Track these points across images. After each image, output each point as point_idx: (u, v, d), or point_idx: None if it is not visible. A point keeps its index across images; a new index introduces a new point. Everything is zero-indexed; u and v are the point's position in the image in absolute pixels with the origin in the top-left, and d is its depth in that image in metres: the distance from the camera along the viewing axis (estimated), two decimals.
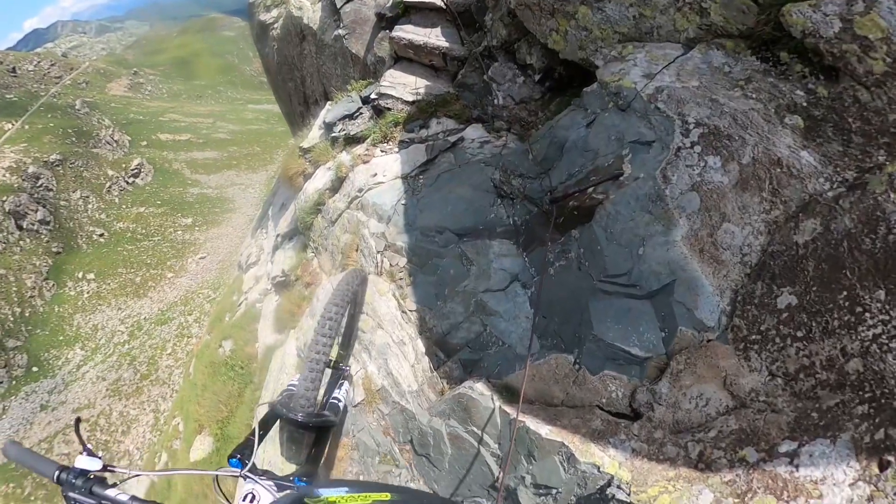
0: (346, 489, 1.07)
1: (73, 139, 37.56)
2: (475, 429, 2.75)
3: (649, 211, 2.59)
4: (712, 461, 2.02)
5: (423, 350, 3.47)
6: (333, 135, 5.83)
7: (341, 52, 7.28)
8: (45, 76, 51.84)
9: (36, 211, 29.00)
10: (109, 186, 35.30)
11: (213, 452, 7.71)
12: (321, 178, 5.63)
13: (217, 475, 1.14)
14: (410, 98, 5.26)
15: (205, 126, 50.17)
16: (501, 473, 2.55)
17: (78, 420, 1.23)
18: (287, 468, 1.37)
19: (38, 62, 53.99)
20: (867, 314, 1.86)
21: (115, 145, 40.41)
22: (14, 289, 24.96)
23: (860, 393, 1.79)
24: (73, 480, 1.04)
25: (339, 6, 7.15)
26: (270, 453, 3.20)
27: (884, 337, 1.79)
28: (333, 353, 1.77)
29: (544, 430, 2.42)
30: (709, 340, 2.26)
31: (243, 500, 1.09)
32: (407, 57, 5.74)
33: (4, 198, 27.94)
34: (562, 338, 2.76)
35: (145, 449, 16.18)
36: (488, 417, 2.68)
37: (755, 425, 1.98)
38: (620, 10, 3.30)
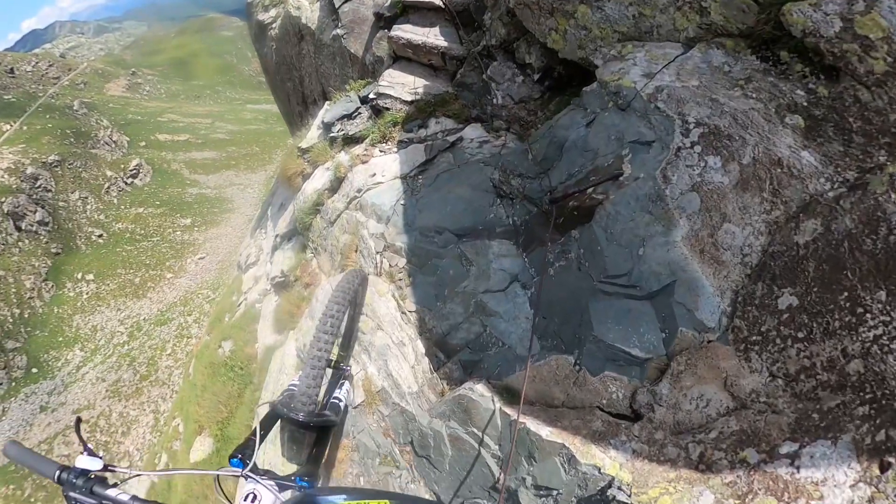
0: (345, 497, 1.06)
1: (72, 140, 37.49)
2: (475, 430, 2.75)
3: (649, 211, 2.58)
4: (713, 462, 2.01)
5: (423, 351, 3.47)
6: (332, 135, 5.82)
7: (340, 51, 7.26)
8: (43, 77, 51.73)
9: (35, 212, 28.95)
10: (108, 187, 35.25)
11: (213, 453, 7.71)
12: (320, 179, 5.62)
13: (218, 475, 1.14)
14: (409, 98, 5.25)
15: (203, 126, 50.10)
16: (502, 475, 2.55)
17: (79, 420, 1.23)
18: (288, 468, 1.37)
19: (36, 63, 53.86)
20: (868, 315, 1.85)
21: (113, 146, 40.34)
22: (13, 290, 24.93)
23: (861, 394, 1.79)
24: (74, 480, 1.04)
25: (337, 6, 7.13)
26: (270, 454, 3.19)
27: (885, 338, 1.79)
28: (334, 353, 1.77)
29: (545, 431, 2.41)
30: (709, 341, 2.26)
31: (245, 500, 1.09)
32: (405, 56, 5.73)
33: (3, 199, 27.88)
34: (562, 339, 2.76)
35: (145, 450, 16.18)
36: (489, 419, 2.67)
37: (756, 426, 1.98)
38: (620, 9, 3.28)
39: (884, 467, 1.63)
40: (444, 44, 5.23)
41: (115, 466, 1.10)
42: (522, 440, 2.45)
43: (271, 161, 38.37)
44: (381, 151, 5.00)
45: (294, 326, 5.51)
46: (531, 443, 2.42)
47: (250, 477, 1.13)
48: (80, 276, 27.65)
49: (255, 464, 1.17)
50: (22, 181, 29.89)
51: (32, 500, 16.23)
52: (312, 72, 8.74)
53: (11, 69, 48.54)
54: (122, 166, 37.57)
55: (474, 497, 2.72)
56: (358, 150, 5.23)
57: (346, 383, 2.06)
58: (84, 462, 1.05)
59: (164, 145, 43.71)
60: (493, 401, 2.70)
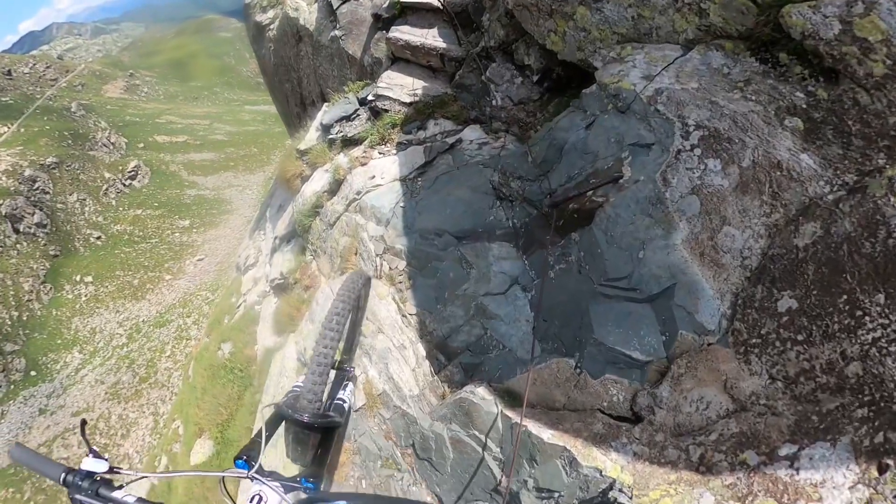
0: (345, 503, 1.06)
1: (70, 142, 37.39)
2: (477, 433, 2.75)
3: (649, 214, 2.59)
4: (713, 464, 2.02)
5: (424, 354, 3.47)
6: (331, 136, 5.81)
7: (338, 53, 7.26)
8: (40, 79, 51.58)
9: (33, 214, 28.88)
10: (106, 189, 35.17)
11: (213, 456, 7.70)
12: (319, 181, 5.62)
13: (223, 476, 1.14)
14: (408, 99, 5.25)
15: (201, 128, 50.00)
16: (505, 478, 2.55)
17: (84, 422, 1.23)
18: (291, 470, 1.37)
19: (34, 65, 53.70)
20: (867, 318, 1.86)
21: (111, 148, 40.25)
22: (11, 292, 24.86)
23: (860, 396, 1.80)
24: (80, 482, 1.04)
25: (335, 7, 7.12)
26: (271, 456, 3.19)
27: (883, 340, 1.80)
28: (338, 354, 1.77)
29: (546, 434, 2.42)
30: (709, 344, 2.26)
31: (251, 502, 1.09)
32: (404, 58, 5.73)
33: (1, 201, 27.81)
34: (562, 341, 2.76)
35: (145, 452, 16.15)
36: (491, 422, 2.68)
37: (756, 428, 1.99)
38: (619, 11, 3.29)
39: (882, 469, 1.64)
40: (443, 45, 5.23)
41: (120, 468, 1.11)
42: (524, 443, 2.45)
43: (270, 162, 38.33)
44: (380, 153, 5.00)
45: (294, 329, 5.50)
46: (532, 445, 2.43)
47: (256, 478, 1.13)
48: (78, 278, 27.59)
49: (260, 465, 1.18)
50: (20, 183, 29.81)
51: (32, 503, 16.19)
52: (311, 73, 8.74)
53: (9, 71, 48.39)
54: (121, 168, 37.49)
55: (476, 499, 2.73)
56: (357, 151, 5.23)
57: (350, 384, 2.06)
58: (90, 464, 1.06)
59: (163, 147, 43.62)
60: (495, 404, 2.70)
